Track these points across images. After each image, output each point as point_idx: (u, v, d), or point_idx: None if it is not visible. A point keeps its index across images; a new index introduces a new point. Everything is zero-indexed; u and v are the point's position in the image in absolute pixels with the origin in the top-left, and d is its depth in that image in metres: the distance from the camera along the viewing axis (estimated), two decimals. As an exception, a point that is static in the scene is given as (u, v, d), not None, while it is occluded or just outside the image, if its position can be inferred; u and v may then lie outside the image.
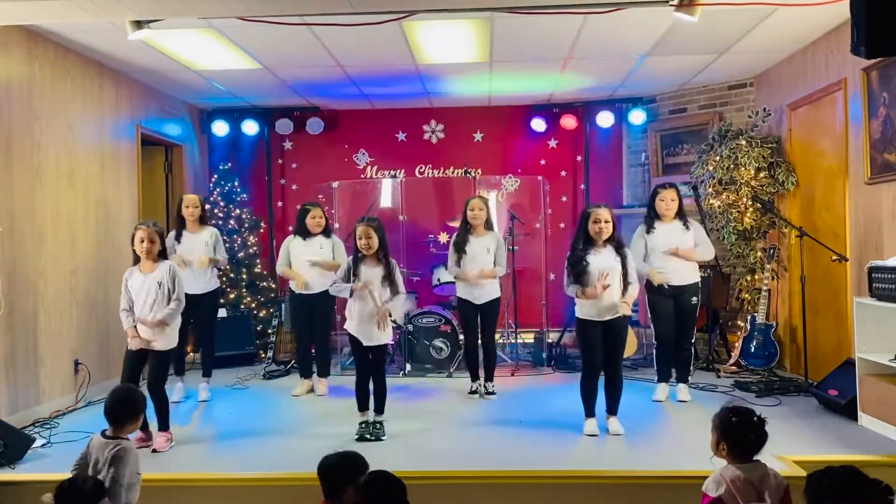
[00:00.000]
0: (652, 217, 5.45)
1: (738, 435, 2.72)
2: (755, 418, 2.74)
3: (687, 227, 5.41)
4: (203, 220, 5.84)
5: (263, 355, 7.23)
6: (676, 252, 5.30)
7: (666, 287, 5.33)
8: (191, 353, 7.63)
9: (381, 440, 4.56)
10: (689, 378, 5.63)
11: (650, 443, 4.48)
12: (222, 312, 7.36)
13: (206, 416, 5.34)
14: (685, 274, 5.38)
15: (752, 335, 6.25)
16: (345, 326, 4.71)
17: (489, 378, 5.77)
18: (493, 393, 5.72)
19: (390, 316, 4.63)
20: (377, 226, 4.62)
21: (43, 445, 4.55)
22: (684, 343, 5.50)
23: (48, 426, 4.99)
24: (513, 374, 6.55)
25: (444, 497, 3.72)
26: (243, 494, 3.91)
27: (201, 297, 5.64)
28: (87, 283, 5.89)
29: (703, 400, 5.49)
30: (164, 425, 4.53)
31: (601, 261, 4.53)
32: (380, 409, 4.72)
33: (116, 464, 3.00)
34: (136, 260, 4.48)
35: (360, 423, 4.66)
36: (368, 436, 4.56)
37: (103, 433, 3.19)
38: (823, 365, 5.71)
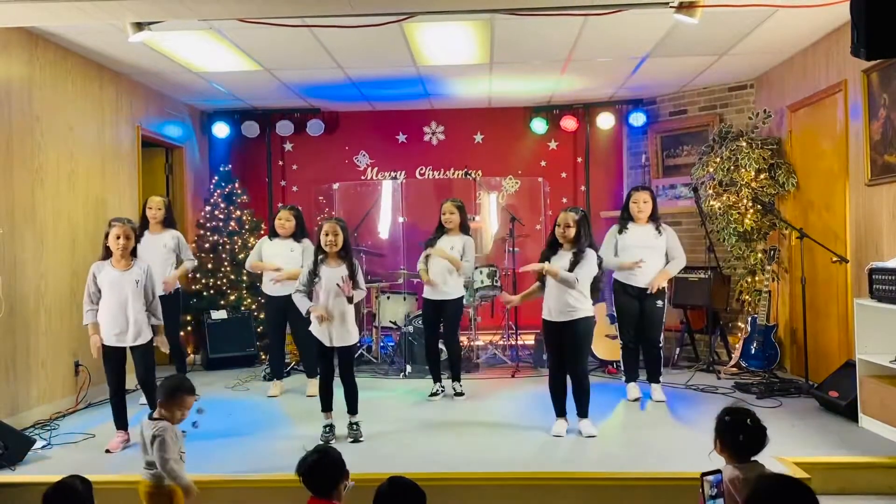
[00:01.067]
0: (626, 219, 5.51)
1: (730, 434, 2.76)
2: (749, 420, 2.76)
3: (659, 232, 5.45)
4: (167, 223, 5.75)
5: (264, 357, 7.23)
6: (657, 282, 5.38)
7: (634, 273, 5.38)
8: (191, 356, 7.65)
9: (360, 441, 4.57)
10: (661, 378, 5.62)
11: (644, 444, 4.47)
12: (222, 314, 7.38)
13: (202, 418, 5.31)
14: (650, 277, 5.41)
15: (753, 336, 6.24)
16: (310, 328, 4.71)
17: (456, 378, 5.78)
18: (461, 394, 5.73)
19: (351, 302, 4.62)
20: (344, 225, 4.66)
21: (43, 447, 4.54)
22: (653, 345, 5.53)
23: (48, 428, 4.99)
24: (513, 376, 6.55)
25: (433, 499, 3.71)
26: (238, 496, 3.92)
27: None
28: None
29: (700, 401, 5.49)
30: None
31: (557, 261, 4.61)
32: (353, 410, 4.71)
33: (156, 443, 3.20)
34: (107, 255, 4.45)
35: (325, 426, 4.66)
36: (332, 440, 4.56)
37: (150, 415, 3.36)
38: (824, 366, 5.71)
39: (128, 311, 4.39)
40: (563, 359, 4.67)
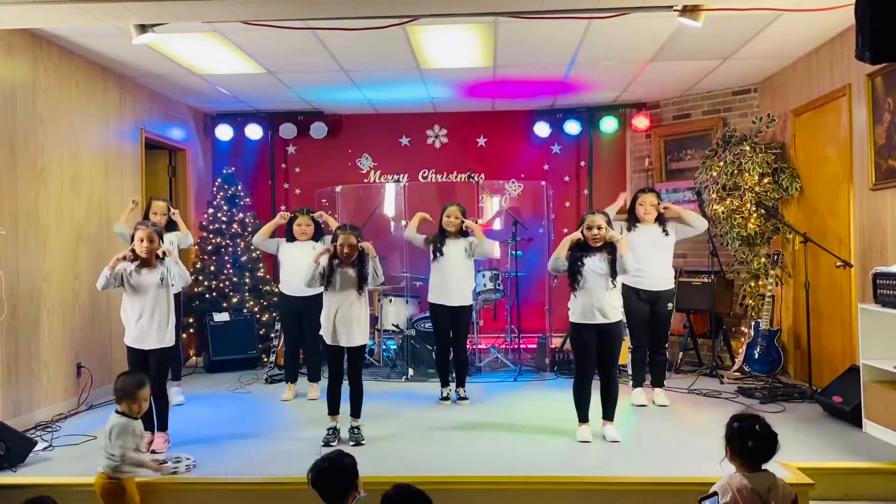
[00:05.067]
0: (633, 219, 5.49)
1: (739, 441, 2.73)
2: (758, 426, 2.73)
3: (666, 233, 5.42)
4: (171, 226, 5.73)
5: (266, 359, 7.22)
6: (668, 210, 5.43)
7: (644, 277, 5.32)
8: (193, 358, 7.65)
9: (362, 444, 4.55)
10: (665, 383, 5.63)
11: (648, 449, 4.45)
12: (225, 316, 7.38)
13: (204, 420, 5.32)
14: (662, 280, 5.41)
15: (756, 341, 6.23)
16: (320, 332, 4.72)
17: (461, 384, 5.76)
18: (465, 398, 5.71)
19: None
20: (359, 233, 4.70)
21: (45, 449, 4.54)
22: (660, 349, 5.53)
23: (50, 430, 4.98)
24: (515, 380, 6.54)
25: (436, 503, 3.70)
26: (240, 499, 3.91)
27: None
28: (89, 286, 5.87)
29: (703, 406, 5.47)
30: (163, 425, 4.56)
31: (593, 262, 4.57)
32: (356, 413, 4.69)
33: (114, 431, 3.58)
34: (135, 258, 4.49)
35: (329, 429, 4.66)
36: (334, 443, 4.55)
37: (116, 410, 3.70)
38: (828, 371, 5.69)
39: (150, 311, 4.43)
40: (595, 363, 4.64)
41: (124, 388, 3.67)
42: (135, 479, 3.66)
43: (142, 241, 4.42)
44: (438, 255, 5.66)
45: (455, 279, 5.64)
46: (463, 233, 5.74)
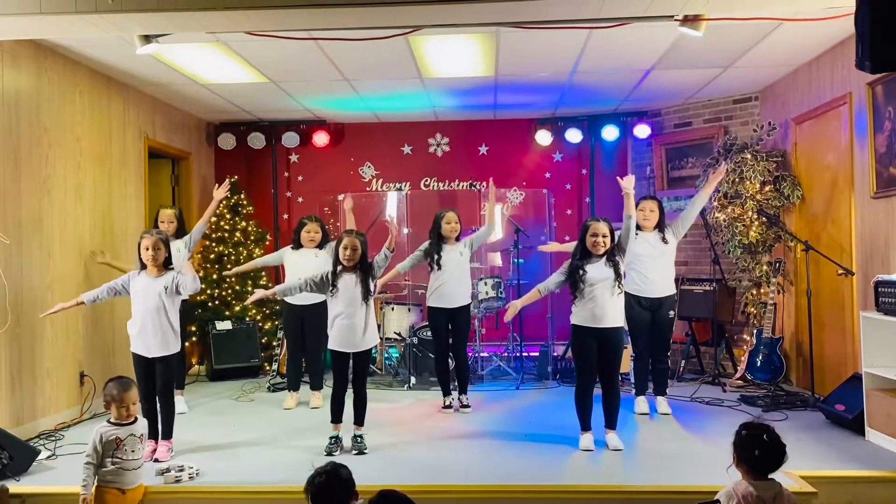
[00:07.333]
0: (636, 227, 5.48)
1: (745, 448, 2.75)
2: (765, 435, 2.74)
3: (665, 241, 5.41)
4: (179, 234, 5.77)
5: (268, 368, 7.23)
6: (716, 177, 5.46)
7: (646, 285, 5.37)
8: (195, 367, 7.65)
9: (364, 453, 4.54)
10: (667, 391, 5.62)
11: (651, 457, 4.44)
12: (227, 324, 7.38)
13: (207, 429, 5.32)
14: (663, 287, 5.42)
15: (758, 349, 6.22)
16: (330, 345, 4.69)
17: (463, 391, 5.74)
18: (468, 406, 5.69)
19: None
20: (364, 240, 4.67)
21: (48, 458, 4.54)
22: (661, 357, 5.53)
23: (53, 438, 4.99)
24: (517, 388, 6.53)
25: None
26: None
27: None
28: (93, 294, 5.90)
29: (706, 414, 5.47)
30: (167, 433, 4.56)
31: (597, 270, 4.57)
32: (360, 422, 4.68)
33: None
34: (142, 267, 4.52)
35: (331, 438, 4.64)
36: (336, 452, 4.54)
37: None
38: (830, 379, 5.69)
39: (155, 319, 4.45)
40: (597, 371, 4.63)
41: (111, 392, 3.68)
42: (119, 490, 3.61)
43: (147, 249, 4.45)
44: (436, 267, 5.64)
45: (454, 283, 5.64)
46: (458, 238, 5.73)
